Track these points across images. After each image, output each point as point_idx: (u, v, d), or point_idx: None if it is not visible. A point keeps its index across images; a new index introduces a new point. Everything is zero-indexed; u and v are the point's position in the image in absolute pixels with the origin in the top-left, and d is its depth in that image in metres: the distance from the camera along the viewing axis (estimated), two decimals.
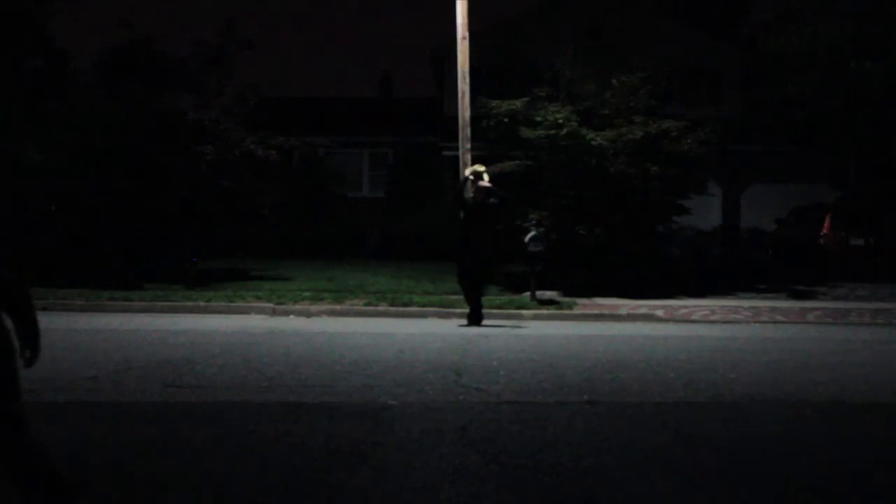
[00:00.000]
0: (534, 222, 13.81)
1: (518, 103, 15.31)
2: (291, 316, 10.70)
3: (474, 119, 14.18)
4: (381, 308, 11.29)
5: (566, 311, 11.28)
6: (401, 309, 11.10)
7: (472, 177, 10.35)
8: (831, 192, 19.69)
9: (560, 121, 14.52)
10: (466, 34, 13.48)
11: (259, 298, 11.63)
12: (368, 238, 20.01)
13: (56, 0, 15.23)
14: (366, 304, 11.49)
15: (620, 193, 14.50)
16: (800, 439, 4.60)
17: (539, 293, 12.34)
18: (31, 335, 2.89)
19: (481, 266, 9.95)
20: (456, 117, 13.98)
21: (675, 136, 14.96)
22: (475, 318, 9.63)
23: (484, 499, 3.54)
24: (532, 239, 12.32)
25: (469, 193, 10.35)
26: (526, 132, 14.75)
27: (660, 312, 11.34)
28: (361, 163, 23.50)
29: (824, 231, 16.98)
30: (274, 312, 10.98)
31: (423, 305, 11.23)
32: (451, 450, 4.29)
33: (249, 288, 12.80)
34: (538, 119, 14.79)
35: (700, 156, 15.17)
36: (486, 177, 10.13)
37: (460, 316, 10.11)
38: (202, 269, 14.25)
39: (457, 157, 14.43)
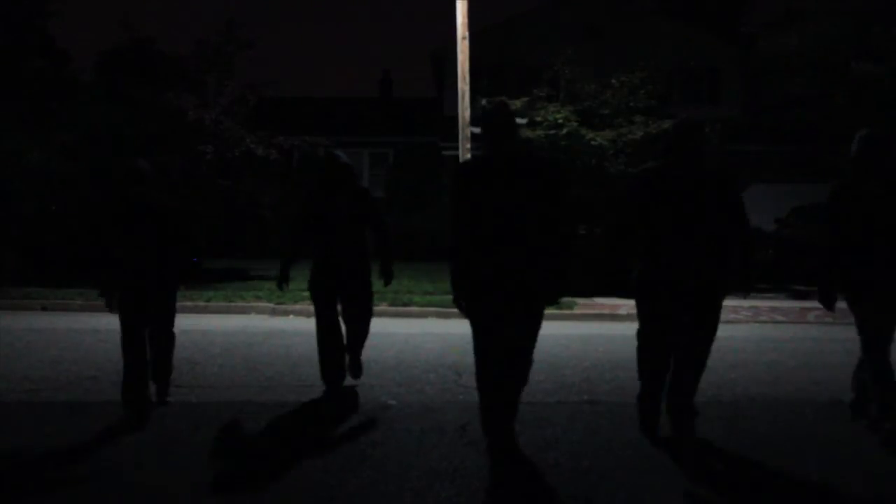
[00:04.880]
0: None
1: (518, 103, 15.31)
2: (291, 316, 10.68)
3: (474, 119, 14.18)
4: (381, 308, 11.26)
5: (566, 311, 11.27)
6: (401, 309, 11.09)
7: None
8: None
9: (560, 121, 14.52)
10: (466, 34, 13.48)
11: (259, 298, 11.62)
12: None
13: (56, 1, 15.27)
14: None
15: (620, 193, 14.51)
16: (800, 439, 4.60)
17: None
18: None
19: None
20: (456, 117, 13.98)
21: None
22: None
23: (484, 499, 3.54)
24: None
25: None
26: (526, 132, 14.75)
27: None
28: (362, 163, 23.51)
29: None
30: (274, 312, 10.97)
31: (423, 305, 11.22)
32: (451, 449, 4.29)
33: (249, 288, 12.80)
34: (538, 119, 14.79)
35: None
36: None
37: (460, 316, 10.11)
38: (202, 269, 14.25)
39: (457, 157, 14.44)
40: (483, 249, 4.00)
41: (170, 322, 5.39)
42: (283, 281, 5.73)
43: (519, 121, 3.86)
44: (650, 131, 14.73)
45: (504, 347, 4.18)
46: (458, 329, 9.59)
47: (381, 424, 4.80)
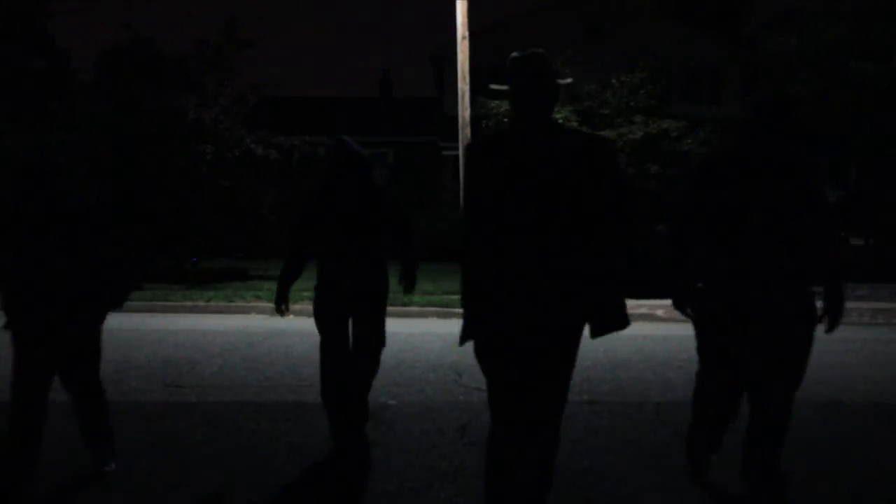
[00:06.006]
0: None
1: None
2: (291, 316, 10.68)
3: (474, 119, 14.19)
4: None
5: None
6: (401, 309, 11.09)
7: None
8: (831, 192, 19.70)
9: (560, 121, 14.53)
10: (466, 34, 13.48)
11: (259, 298, 11.63)
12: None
13: (56, 0, 15.30)
14: None
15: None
16: (799, 439, 4.60)
17: None
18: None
19: None
20: (456, 117, 13.98)
21: (675, 136, 15.00)
22: None
23: (484, 499, 3.54)
24: None
25: None
26: None
27: (660, 312, 11.33)
28: None
29: None
30: (274, 312, 10.98)
31: (423, 305, 11.22)
32: (451, 449, 4.29)
33: (249, 288, 12.80)
34: None
35: (700, 156, 15.21)
36: None
37: (460, 316, 10.12)
38: (202, 269, 14.27)
39: (457, 157, 14.44)
40: (506, 260, 2.81)
41: (92, 370, 3.90)
42: (281, 302, 4.78)
43: (562, 82, 2.87)
44: (650, 131, 14.76)
45: (527, 408, 2.93)
46: (458, 328, 9.59)
47: (381, 424, 4.80)
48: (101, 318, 3.84)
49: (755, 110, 3.32)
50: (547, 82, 2.91)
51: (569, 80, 3.50)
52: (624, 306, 2.96)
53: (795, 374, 3.32)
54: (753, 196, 3.23)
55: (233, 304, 11.30)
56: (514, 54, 2.97)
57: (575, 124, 14.55)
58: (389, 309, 9.89)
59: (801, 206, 3.25)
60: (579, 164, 2.82)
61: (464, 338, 2.99)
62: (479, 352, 2.99)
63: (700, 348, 3.57)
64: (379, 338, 4.62)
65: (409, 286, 4.78)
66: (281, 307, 4.75)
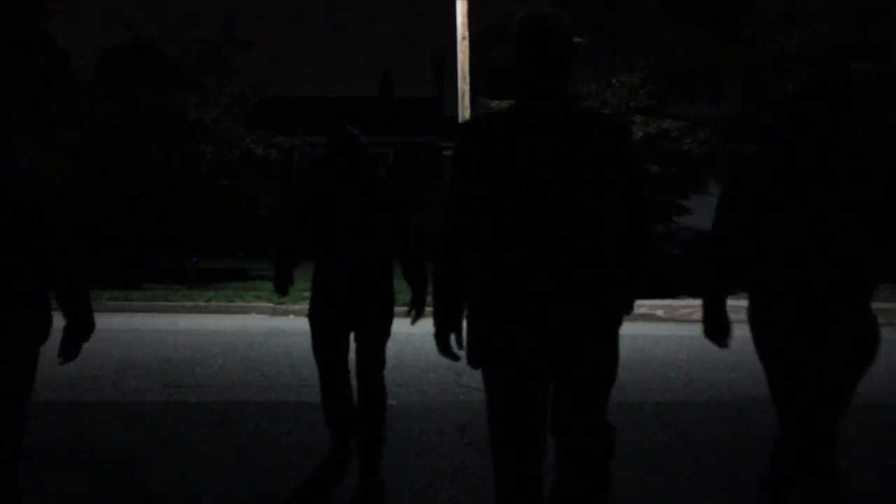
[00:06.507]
0: None
1: None
2: (291, 316, 10.69)
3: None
4: None
5: None
6: (401, 309, 11.09)
7: None
8: None
9: None
10: (466, 34, 13.48)
11: (259, 298, 11.63)
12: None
13: (56, 0, 15.31)
14: None
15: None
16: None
17: None
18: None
19: None
20: (456, 117, 13.99)
21: (675, 136, 15.00)
22: None
23: (484, 498, 3.54)
24: None
25: None
26: None
27: (660, 312, 11.33)
28: None
29: None
30: (274, 312, 10.97)
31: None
32: (451, 449, 4.29)
33: (249, 288, 12.81)
34: None
35: (700, 156, 15.21)
36: None
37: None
38: (202, 269, 14.26)
39: None
40: (508, 257, 2.32)
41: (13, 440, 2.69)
42: (282, 280, 3.93)
43: (578, 40, 2.38)
44: (650, 131, 14.75)
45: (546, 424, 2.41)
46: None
47: None
48: (32, 348, 2.61)
49: (809, 93, 2.74)
50: (559, 45, 2.37)
51: (578, 40, 2.84)
52: (626, 301, 2.58)
53: (849, 392, 2.87)
54: (810, 198, 2.72)
55: (233, 304, 11.30)
56: (521, 14, 2.49)
57: None
58: None
59: (868, 207, 2.69)
60: (595, 152, 2.36)
61: (475, 357, 2.43)
62: (483, 361, 2.43)
63: (770, 383, 3.05)
64: (380, 357, 3.99)
65: (417, 314, 4.12)
66: (285, 284, 3.93)
